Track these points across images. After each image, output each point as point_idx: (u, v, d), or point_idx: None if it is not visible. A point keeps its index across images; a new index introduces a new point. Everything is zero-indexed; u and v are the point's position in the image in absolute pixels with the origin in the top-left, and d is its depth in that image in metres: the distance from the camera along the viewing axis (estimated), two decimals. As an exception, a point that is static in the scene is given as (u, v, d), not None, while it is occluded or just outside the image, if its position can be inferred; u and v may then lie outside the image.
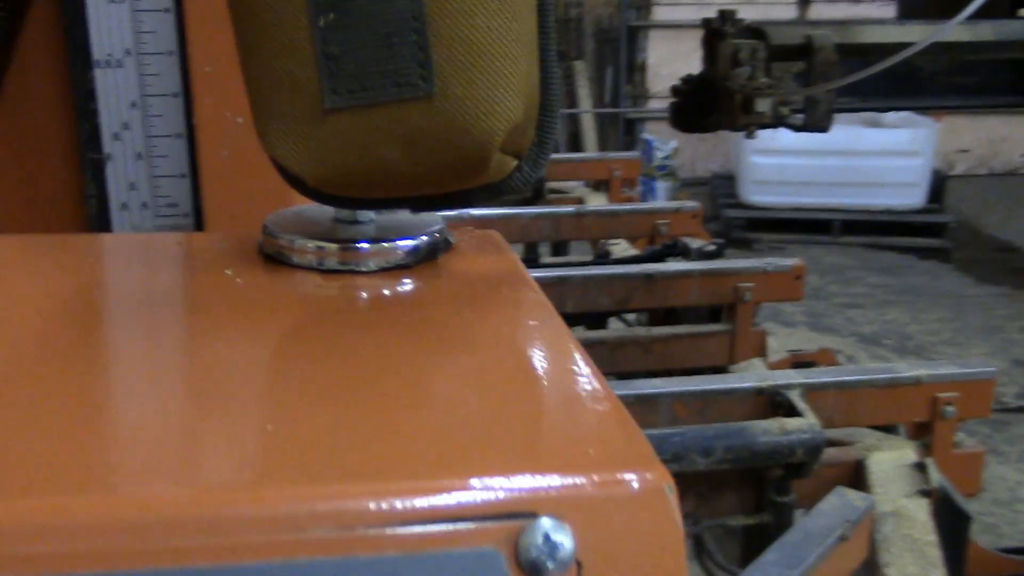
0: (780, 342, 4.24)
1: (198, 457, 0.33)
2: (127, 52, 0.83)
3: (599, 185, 4.04)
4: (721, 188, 7.11)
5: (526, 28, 0.47)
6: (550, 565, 0.31)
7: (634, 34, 7.99)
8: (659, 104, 7.96)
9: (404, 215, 0.53)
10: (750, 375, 2.14)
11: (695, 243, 3.01)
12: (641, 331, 2.66)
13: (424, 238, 0.52)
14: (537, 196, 3.84)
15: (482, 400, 0.37)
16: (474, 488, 0.31)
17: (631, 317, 3.01)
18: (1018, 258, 6.37)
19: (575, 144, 7.83)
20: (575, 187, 4.06)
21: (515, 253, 0.52)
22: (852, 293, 5.64)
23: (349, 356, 0.40)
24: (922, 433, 2.02)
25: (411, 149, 0.45)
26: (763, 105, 1.42)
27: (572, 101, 7.94)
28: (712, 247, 3.02)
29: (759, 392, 1.82)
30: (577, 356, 0.40)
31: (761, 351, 2.67)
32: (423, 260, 0.51)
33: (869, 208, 6.49)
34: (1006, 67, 1.66)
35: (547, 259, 3.59)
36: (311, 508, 0.29)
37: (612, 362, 2.62)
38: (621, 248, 3.38)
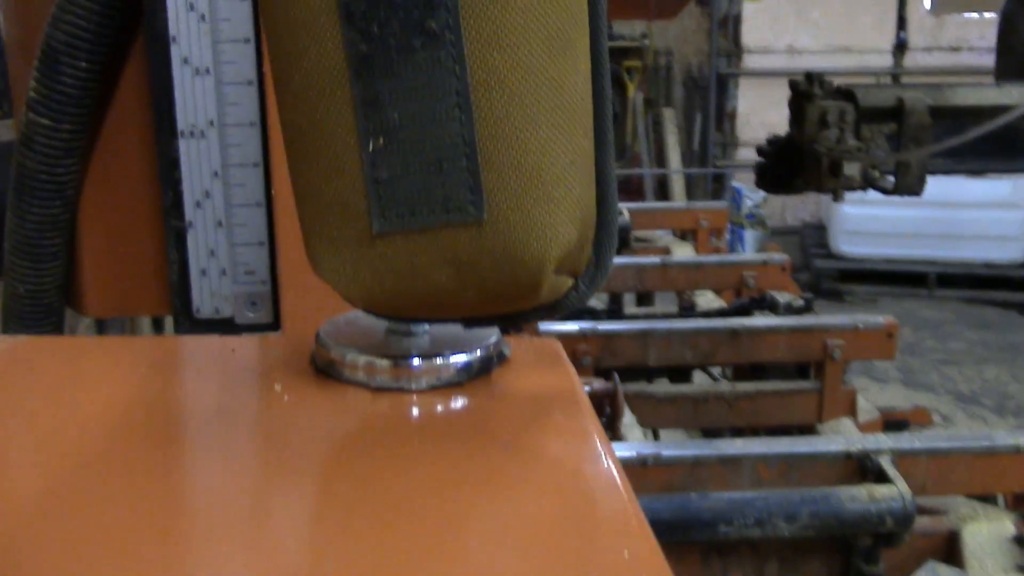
0: (872, 398, 4.12)
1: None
2: (211, 123, 0.85)
3: (686, 234, 4.00)
4: (811, 238, 6.99)
5: (581, 149, 0.46)
6: None
7: (724, 82, 7.95)
8: (748, 152, 7.89)
9: (455, 327, 0.52)
10: (838, 438, 2.08)
11: (783, 297, 2.96)
12: (726, 386, 2.61)
13: (478, 353, 0.50)
14: (623, 245, 3.83)
15: (518, 551, 0.35)
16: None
17: (716, 371, 2.96)
18: None
19: (663, 191, 7.79)
20: (661, 236, 4.04)
21: (572, 368, 0.51)
22: (948, 349, 5.47)
23: (387, 486, 0.39)
24: (1022, 504, 1.93)
25: (461, 274, 0.44)
26: (851, 168, 1.39)
27: (660, 148, 7.91)
28: (801, 302, 2.96)
29: (848, 456, 1.77)
30: (624, 500, 0.38)
31: (851, 410, 2.60)
32: (476, 376, 0.50)
33: (967, 261, 6.30)
34: (1112, 128, 1.59)
35: (631, 309, 3.57)
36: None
37: (695, 418, 2.58)
38: (707, 299, 3.34)
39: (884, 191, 1.48)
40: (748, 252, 6.50)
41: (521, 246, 0.43)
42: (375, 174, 0.42)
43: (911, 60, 7.85)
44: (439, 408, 0.47)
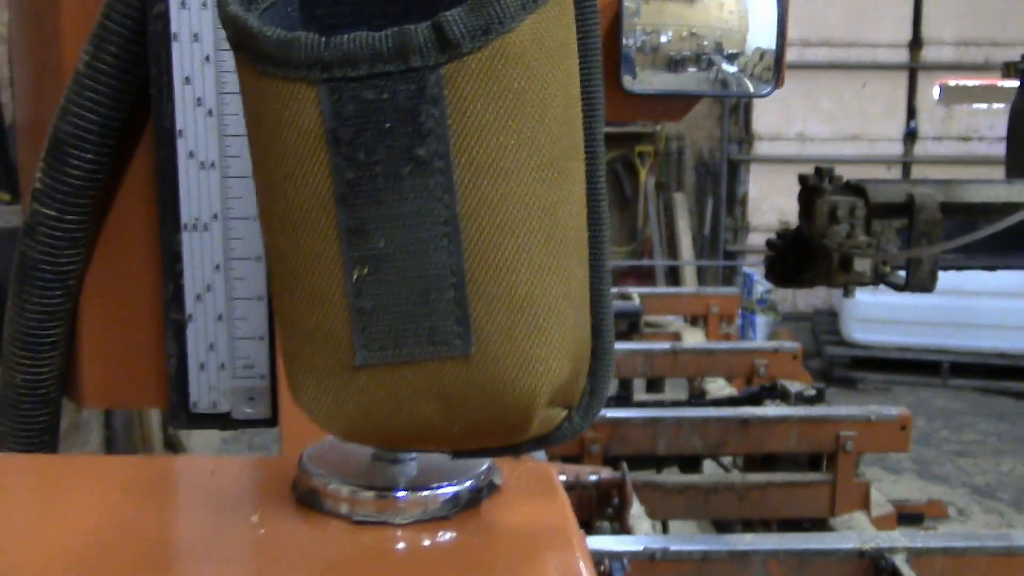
0: (886, 490, 4.05)
1: None
2: (214, 216, 0.84)
3: (696, 320, 3.99)
4: (823, 324, 6.96)
5: (575, 279, 0.44)
6: None
7: (735, 167, 8.01)
8: (759, 237, 7.91)
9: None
10: (851, 534, 2.04)
11: (794, 386, 2.93)
12: (736, 477, 2.57)
13: (467, 483, 0.48)
14: (633, 330, 3.81)
15: None
16: None
17: (727, 461, 2.92)
18: None
19: (674, 275, 7.80)
20: (672, 321, 4.02)
21: (565, 497, 0.48)
22: (963, 440, 5.39)
23: None
24: (1042, 608, 1.87)
25: (447, 408, 0.42)
26: (862, 264, 1.38)
27: (671, 232, 7.94)
28: (812, 391, 2.93)
29: (861, 554, 1.73)
30: None
31: (864, 504, 2.55)
32: (464, 509, 0.47)
33: (981, 350, 6.25)
34: None
35: (641, 396, 3.53)
36: None
37: (706, 509, 2.53)
38: (718, 386, 3.31)
39: (896, 287, 1.47)
40: (759, 338, 6.47)
41: (511, 381, 0.41)
42: (359, 303, 0.41)
43: (921, 149, 7.91)
44: (425, 543, 0.44)
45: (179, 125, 0.83)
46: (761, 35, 0.78)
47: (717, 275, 8.00)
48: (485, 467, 0.48)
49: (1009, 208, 1.42)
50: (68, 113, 0.86)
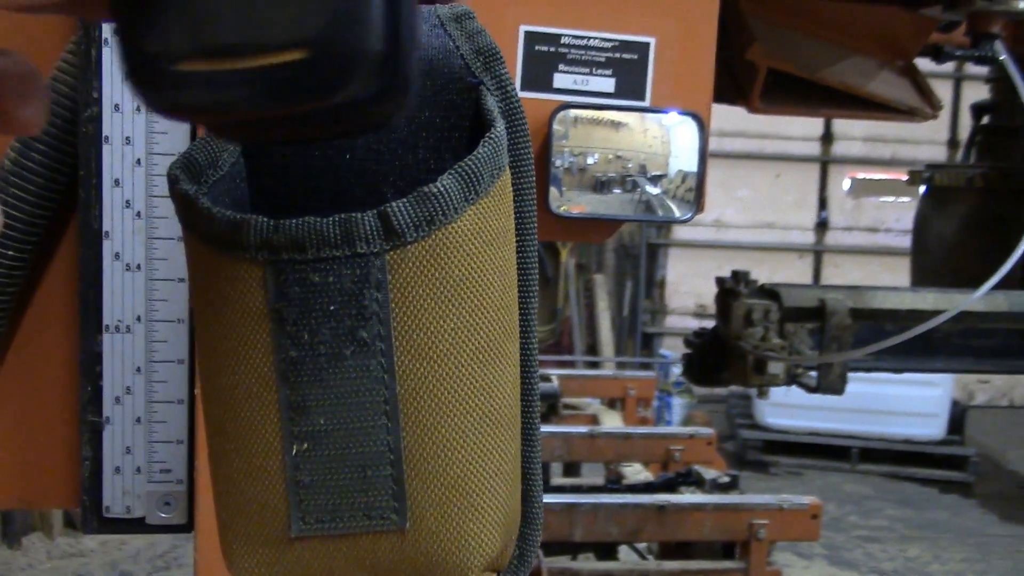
0: (797, 575, 4.07)
1: None
2: (137, 318, 0.84)
3: (614, 402, 4.02)
4: (737, 407, 7.06)
5: (508, 454, 0.45)
6: None
7: (654, 251, 8.17)
8: (676, 319, 8.05)
9: None
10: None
11: (709, 473, 2.96)
12: (652, 565, 2.58)
13: None
14: (551, 412, 3.82)
15: None
16: None
17: (642, 547, 2.92)
18: (1042, 496, 6.21)
19: (593, 353, 7.86)
20: (590, 403, 4.04)
21: None
22: (872, 526, 5.48)
23: None
24: None
25: None
26: (776, 367, 1.41)
27: (591, 313, 8.03)
28: (727, 478, 2.96)
29: (773, 646, 1.74)
30: None
31: (777, 591, 2.57)
32: None
33: (888, 437, 6.40)
34: (1019, 333, 1.66)
35: (558, 480, 3.53)
36: None
37: (622, 598, 2.53)
38: (634, 470, 3.32)
39: (808, 389, 1.51)
40: (675, 419, 6.53)
41: (443, 556, 0.42)
42: (297, 476, 0.42)
43: (832, 238, 8.17)
44: None
45: (106, 227, 0.83)
46: (683, 158, 0.81)
47: (636, 356, 8.09)
48: None
49: (914, 315, 1.48)
50: (-8, 210, 0.84)
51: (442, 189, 0.41)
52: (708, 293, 7.87)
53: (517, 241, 0.45)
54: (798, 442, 6.50)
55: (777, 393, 5.65)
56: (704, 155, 0.79)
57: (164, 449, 0.85)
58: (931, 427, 6.34)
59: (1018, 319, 1.53)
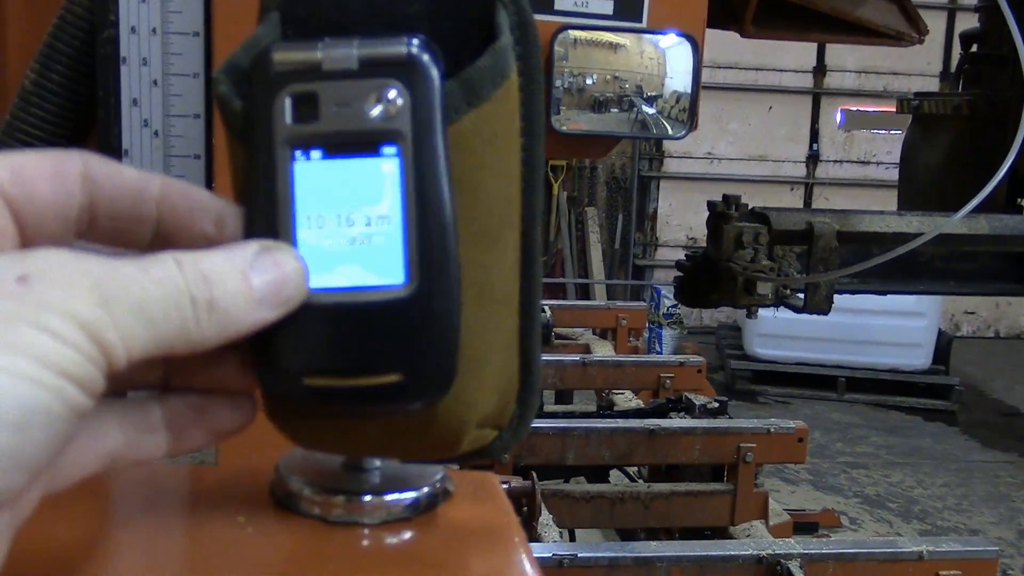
0: (783, 500, 4.18)
1: None
2: (157, 233, 0.88)
3: (606, 333, 4.08)
4: (727, 339, 7.16)
5: (505, 328, 0.51)
6: None
7: (646, 184, 8.19)
8: (668, 252, 8.10)
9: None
10: (749, 542, 2.13)
11: (699, 399, 3.03)
12: (642, 487, 2.65)
13: (425, 490, 0.55)
14: (544, 342, 3.87)
15: None
16: None
17: (633, 470, 3.00)
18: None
19: (584, 288, 7.93)
20: (582, 334, 4.10)
21: (508, 503, 0.56)
22: (857, 453, 5.61)
23: None
24: (923, 610, 1.98)
25: (388, 428, 0.49)
26: (765, 287, 1.46)
27: (583, 245, 8.07)
28: (715, 404, 3.03)
29: (758, 561, 1.81)
30: None
31: (763, 513, 2.64)
32: (423, 512, 0.54)
33: (874, 366, 6.51)
34: (1004, 256, 1.71)
35: (551, 407, 3.60)
36: None
37: (612, 517, 2.60)
38: (625, 398, 3.39)
39: (795, 309, 1.56)
40: (665, 351, 6.61)
41: (445, 411, 0.48)
42: None
43: (823, 171, 8.20)
44: (390, 541, 0.51)
45: (125, 145, 0.86)
46: (678, 80, 0.85)
47: (626, 289, 8.16)
48: (440, 476, 0.55)
49: (899, 238, 1.52)
50: (14, 129, 0.88)
51: (447, 91, 0.46)
52: (699, 226, 7.90)
53: (523, 142, 0.50)
54: (786, 372, 6.61)
55: (766, 324, 5.72)
56: (698, 76, 0.83)
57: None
58: (916, 357, 6.45)
59: (999, 242, 1.57)
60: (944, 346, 6.56)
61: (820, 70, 8.07)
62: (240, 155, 0.47)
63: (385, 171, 0.45)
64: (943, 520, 4.76)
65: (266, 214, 0.45)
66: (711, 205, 1.54)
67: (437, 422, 0.49)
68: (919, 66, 7.77)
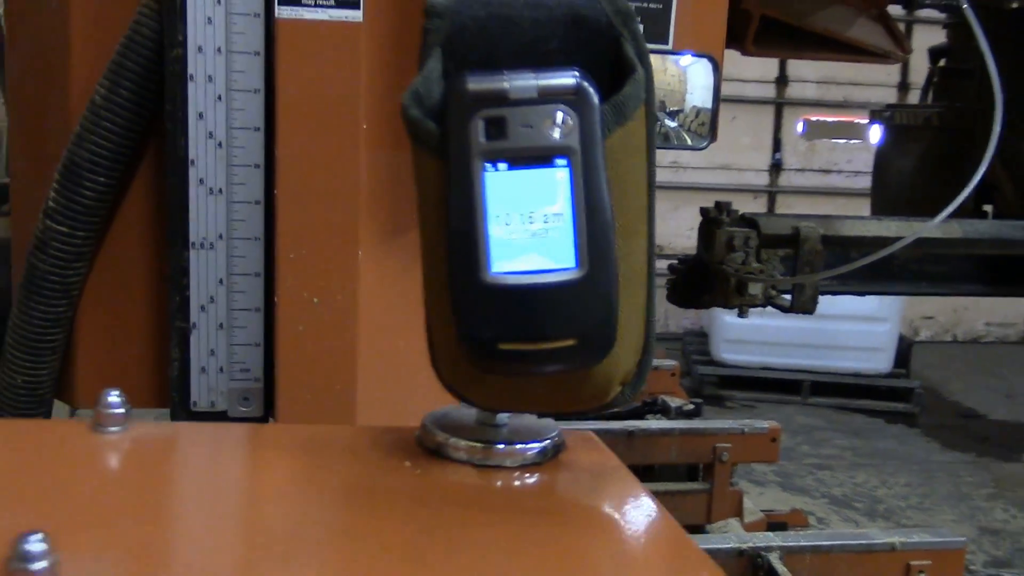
0: (752, 502, 4.27)
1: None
2: (219, 236, 0.95)
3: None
4: (694, 345, 7.26)
5: (639, 304, 0.64)
6: None
7: (612, 193, 8.29)
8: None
9: (529, 418, 0.69)
10: (730, 535, 2.22)
11: (674, 402, 3.11)
12: (622, 487, 2.73)
13: (549, 442, 0.67)
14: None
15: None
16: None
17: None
18: (982, 425, 6.51)
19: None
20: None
21: (610, 450, 0.67)
22: (822, 454, 5.73)
23: (510, 540, 0.57)
24: (897, 596, 2.08)
25: (557, 383, 0.62)
26: (755, 288, 1.55)
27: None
28: (691, 406, 3.12)
29: (739, 553, 1.90)
30: (678, 533, 0.56)
31: (737, 511, 2.74)
32: (550, 459, 0.67)
33: (838, 370, 6.64)
34: (974, 259, 1.82)
35: (531, 411, 3.67)
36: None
37: (593, 517, 2.68)
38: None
39: (782, 309, 1.65)
40: (635, 357, 6.68)
41: (599, 369, 0.61)
42: None
43: (785, 179, 8.36)
44: (529, 480, 0.64)
45: (191, 155, 0.94)
46: (697, 95, 0.93)
47: (594, 296, 8.23)
48: (556, 431, 0.66)
49: (879, 241, 1.62)
50: (84, 140, 0.95)
51: (602, 113, 0.59)
52: (667, 233, 8.03)
53: (650, 155, 0.62)
54: (752, 377, 6.71)
55: (732, 329, 5.81)
56: (718, 93, 0.92)
57: (243, 351, 0.97)
58: (878, 361, 6.59)
59: (970, 245, 1.68)
60: (905, 350, 6.72)
61: (782, 80, 8.23)
62: (430, 167, 0.59)
63: (559, 178, 0.57)
64: (906, 519, 4.89)
65: (465, 214, 0.57)
66: (704, 211, 1.63)
67: (592, 379, 0.61)
68: (879, 77, 7.95)
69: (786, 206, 8.20)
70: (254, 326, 0.96)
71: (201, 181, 0.94)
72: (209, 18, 0.91)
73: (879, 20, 1.17)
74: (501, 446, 0.65)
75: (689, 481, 2.77)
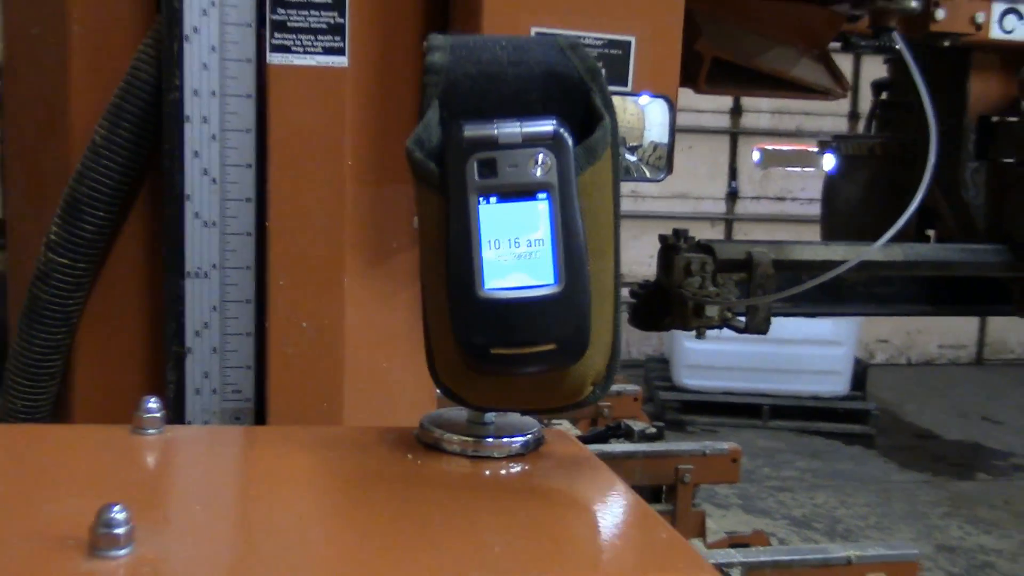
0: (716, 524, 4.35)
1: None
2: (213, 266, 1.02)
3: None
4: (655, 371, 7.36)
5: (607, 314, 0.76)
6: None
7: (573, 222, 8.40)
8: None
9: (513, 417, 0.81)
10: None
11: (638, 425, 3.19)
12: (589, 509, 2.79)
13: (531, 436, 0.79)
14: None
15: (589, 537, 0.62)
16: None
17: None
18: (937, 445, 6.66)
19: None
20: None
21: (584, 446, 0.76)
22: (782, 476, 5.84)
23: (498, 515, 0.68)
24: (851, 609, 2.16)
25: (532, 389, 0.74)
26: (712, 311, 1.64)
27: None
28: (653, 430, 3.20)
29: (703, 569, 1.97)
30: (644, 508, 0.70)
31: (700, 531, 2.81)
32: (532, 450, 0.78)
33: (796, 394, 6.77)
34: (919, 281, 1.93)
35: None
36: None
37: (559, 539, 2.74)
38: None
39: (737, 330, 1.74)
40: (597, 383, 6.76)
41: (574, 370, 0.73)
42: None
43: (741, 207, 8.53)
44: (514, 469, 0.76)
45: (187, 190, 1.00)
46: (655, 131, 1.02)
47: (556, 324, 8.31)
48: (536, 427, 0.76)
49: (826, 265, 1.71)
50: (85, 177, 1.01)
51: (576, 154, 0.71)
52: (628, 260, 8.14)
53: (615, 189, 0.75)
54: (713, 401, 6.82)
55: (693, 355, 5.90)
56: (672, 129, 1.01)
57: (235, 373, 1.03)
58: (836, 384, 6.73)
59: (911, 267, 1.78)
60: (860, 373, 6.87)
61: (736, 111, 8.43)
62: (431, 201, 0.69)
63: (540, 209, 0.69)
64: (866, 537, 5.00)
65: (462, 240, 0.69)
66: (662, 238, 1.71)
67: (568, 379, 0.73)
68: (829, 107, 8.16)
69: (743, 233, 8.37)
70: (246, 349, 1.03)
71: (196, 214, 1.01)
72: (205, 64, 0.99)
73: (820, 60, 1.27)
74: (490, 440, 0.77)
75: (653, 502, 2.85)
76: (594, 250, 0.71)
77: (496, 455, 0.76)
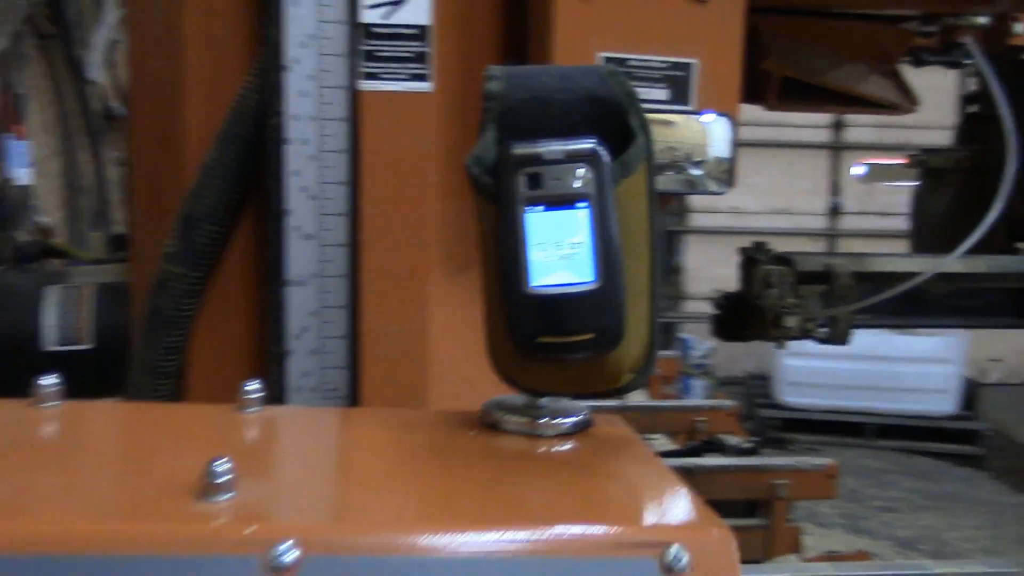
0: (817, 542, 4.30)
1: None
2: (312, 275, 1.12)
3: (640, 382, 4.26)
4: (756, 388, 7.30)
5: (644, 309, 0.87)
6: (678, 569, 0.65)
7: (672, 238, 8.41)
8: (695, 305, 8.28)
9: (564, 402, 0.91)
10: (786, 565, 2.29)
11: (732, 440, 3.20)
12: (682, 522, 2.81)
13: (579, 417, 0.89)
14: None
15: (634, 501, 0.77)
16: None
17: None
18: (1052, 468, 6.44)
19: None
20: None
21: (630, 427, 0.84)
22: (888, 497, 5.72)
23: (549, 483, 0.80)
24: (955, 630, 2.14)
25: (576, 375, 0.86)
26: (791, 322, 1.67)
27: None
28: (748, 444, 3.20)
29: (796, 582, 1.98)
30: (673, 479, 0.79)
31: (796, 547, 2.80)
32: (581, 431, 0.88)
33: (902, 413, 6.62)
34: (1007, 293, 1.93)
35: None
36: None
37: (652, 552, 2.77)
38: (660, 443, 3.57)
39: (818, 340, 1.77)
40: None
41: (612, 358, 0.84)
42: None
43: (845, 223, 8.40)
44: (566, 446, 0.87)
45: (288, 206, 1.11)
46: (718, 147, 1.09)
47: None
48: (585, 410, 0.84)
49: (907, 276, 1.73)
50: (198, 195, 1.13)
51: (612, 168, 0.81)
52: (725, 278, 8.08)
53: (650, 199, 0.85)
54: (815, 420, 6.72)
55: (795, 373, 5.83)
56: (734, 144, 1.07)
57: (332, 373, 1.13)
58: (943, 403, 6.56)
59: (996, 279, 1.78)
60: (970, 392, 6.68)
61: (838, 125, 8.32)
62: (487, 210, 0.80)
63: (580, 216, 0.80)
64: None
65: (513, 244, 0.80)
66: (742, 251, 1.76)
67: (607, 365, 0.83)
68: (935, 120, 7.95)
69: (846, 249, 8.23)
70: (341, 351, 1.13)
71: (296, 228, 1.11)
72: (303, 91, 1.09)
73: (890, 75, 1.30)
74: (543, 420, 0.88)
75: (748, 517, 2.85)
76: (629, 252, 0.81)
77: (549, 433, 0.87)
